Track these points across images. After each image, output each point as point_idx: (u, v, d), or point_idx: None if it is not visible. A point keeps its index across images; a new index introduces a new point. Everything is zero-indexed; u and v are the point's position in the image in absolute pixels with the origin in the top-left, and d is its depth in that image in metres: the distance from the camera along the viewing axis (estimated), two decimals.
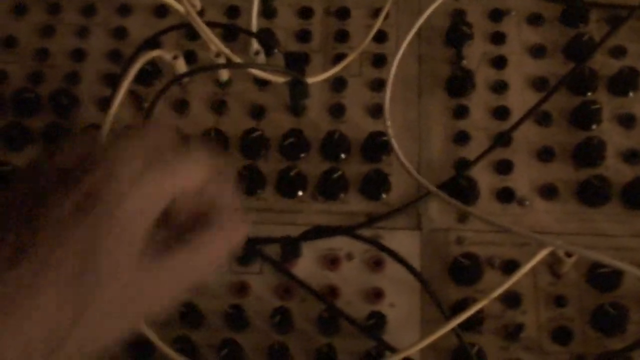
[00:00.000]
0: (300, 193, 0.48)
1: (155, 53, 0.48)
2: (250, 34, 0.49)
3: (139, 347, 0.42)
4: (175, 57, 0.49)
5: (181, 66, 0.50)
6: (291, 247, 0.44)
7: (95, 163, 0.30)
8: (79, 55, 0.54)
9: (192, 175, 0.32)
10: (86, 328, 0.29)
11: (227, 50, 0.47)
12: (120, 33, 0.55)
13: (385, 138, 0.48)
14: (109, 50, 0.54)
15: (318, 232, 0.44)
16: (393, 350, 0.41)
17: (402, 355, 0.40)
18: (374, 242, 0.43)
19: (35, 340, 0.28)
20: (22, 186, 0.31)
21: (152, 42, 0.52)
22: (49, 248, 0.28)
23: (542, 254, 0.41)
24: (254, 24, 0.50)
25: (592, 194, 0.46)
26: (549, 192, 0.47)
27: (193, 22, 0.47)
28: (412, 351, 0.40)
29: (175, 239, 0.31)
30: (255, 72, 0.49)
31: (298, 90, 0.49)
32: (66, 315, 0.28)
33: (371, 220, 0.46)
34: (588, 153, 0.47)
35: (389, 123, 0.48)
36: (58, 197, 0.29)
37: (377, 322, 0.42)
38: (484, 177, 0.48)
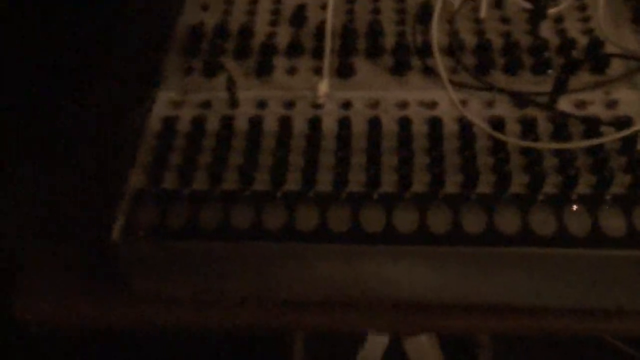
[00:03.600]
0: (549, 71, 0.72)
1: None
2: None
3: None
4: None
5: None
6: (562, 84, 0.67)
7: None
8: (376, 11, 0.81)
9: None
10: None
11: None
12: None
13: (601, 38, 0.73)
14: (398, 9, 0.81)
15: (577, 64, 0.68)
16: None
17: None
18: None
19: None
20: None
21: None
22: None
23: None
24: None
25: None
26: None
27: None
28: None
29: None
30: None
31: (541, 11, 0.75)
32: None
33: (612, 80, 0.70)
34: None
35: (605, 29, 0.73)
36: None
37: (627, 119, 0.65)
38: None
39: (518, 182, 0.63)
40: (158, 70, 0.76)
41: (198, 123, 0.70)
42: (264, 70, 0.75)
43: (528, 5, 0.76)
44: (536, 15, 0.75)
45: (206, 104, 0.73)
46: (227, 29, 0.80)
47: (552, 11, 0.77)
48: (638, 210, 0.60)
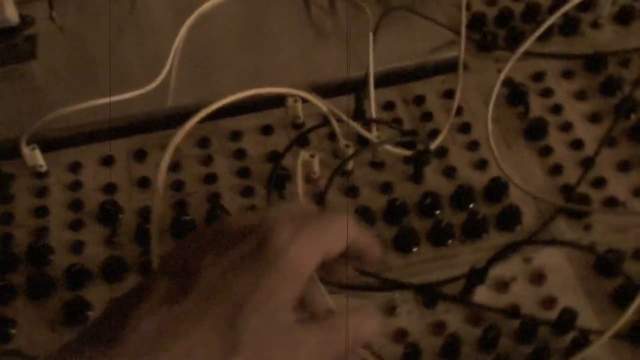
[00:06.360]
0: (450, 241, 0.56)
1: (301, 156, 0.56)
2: (374, 121, 0.59)
3: None
4: (312, 156, 0.58)
5: (317, 165, 0.58)
6: (479, 276, 0.52)
7: (256, 227, 0.35)
8: (211, 178, 0.61)
9: (338, 236, 0.36)
10: None
11: (367, 134, 0.57)
12: (241, 154, 0.62)
13: (503, 181, 0.58)
14: (237, 169, 0.62)
15: (501, 254, 0.53)
16: (598, 332, 0.48)
17: (608, 334, 0.48)
18: (555, 242, 0.52)
19: None
20: (184, 246, 0.37)
21: (286, 150, 0.61)
22: (205, 294, 0.32)
23: None
24: (374, 113, 0.60)
25: None
26: None
27: (332, 118, 0.56)
28: (613, 330, 0.48)
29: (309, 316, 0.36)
30: (390, 148, 0.58)
31: (424, 157, 0.58)
32: (216, 353, 0.31)
33: (521, 243, 0.55)
34: None
35: (503, 166, 0.58)
36: (218, 253, 0.34)
37: (570, 316, 0.50)
38: (588, 193, 0.58)
39: None
40: None
41: None
42: (74, 315, 0.53)
43: (406, 152, 0.59)
44: (420, 165, 0.59)
45: None
46: (10, 251, 0.57)
47: (434, 146, 0.60)
48: None
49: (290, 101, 0.62)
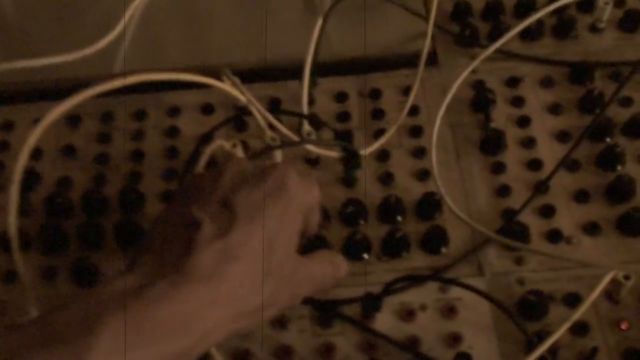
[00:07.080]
0: (365, 256, 0.52)
1: (218, 143, 0.53)
2: (303, 116, 0.54)
3: None
4: (234, 146, 0.54)
5: (240, 153, 0.54)
6: (373, 303, 0.47)
7: (272, 171, 0.42)
8: (138, 155, 0.58)
9: (318, 194, 0.45)
10: (269, 291, 0.39)
11: (286, 130, 0.52)
12: (173, 132, 0.59)
13: (437, 197, 0.53)
14: (166, 148, 0.58)
15: (399, 282, 0.48)
16: None
17: None
18: (458, 283, 0.47)
19: (244, 285, 0.38)
20: (211, 182, 0.42)
21: (209, 136, 0.57)
22: (247, 226, 0.39)
23: (607, 279, 0.45)
24: (305, 107, 0.55)
25: (633, 225, 0.51)
26: (592, 228, 0.52)
27: (254, 109, 0.52)
28: None
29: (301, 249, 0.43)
30: (312, 148, 0.53)
31: (353, 162, 0.53)
32: (258, 273, 0.39)
33: (441, 269, 0.50)
34: (621, 190, 0.52)
35: (439, 182, 0.52)
36: (249, 189, 0.41)
37: None
38: (530, 222, 0.52)
39: None
40: None
41: None
42: None
43: (334, 154, 0.54)
44: (349, 169, 0.54)
45: None
46: None
47: (365, 152, 0.55)
48: None
49: (227, 81, 0.57)
